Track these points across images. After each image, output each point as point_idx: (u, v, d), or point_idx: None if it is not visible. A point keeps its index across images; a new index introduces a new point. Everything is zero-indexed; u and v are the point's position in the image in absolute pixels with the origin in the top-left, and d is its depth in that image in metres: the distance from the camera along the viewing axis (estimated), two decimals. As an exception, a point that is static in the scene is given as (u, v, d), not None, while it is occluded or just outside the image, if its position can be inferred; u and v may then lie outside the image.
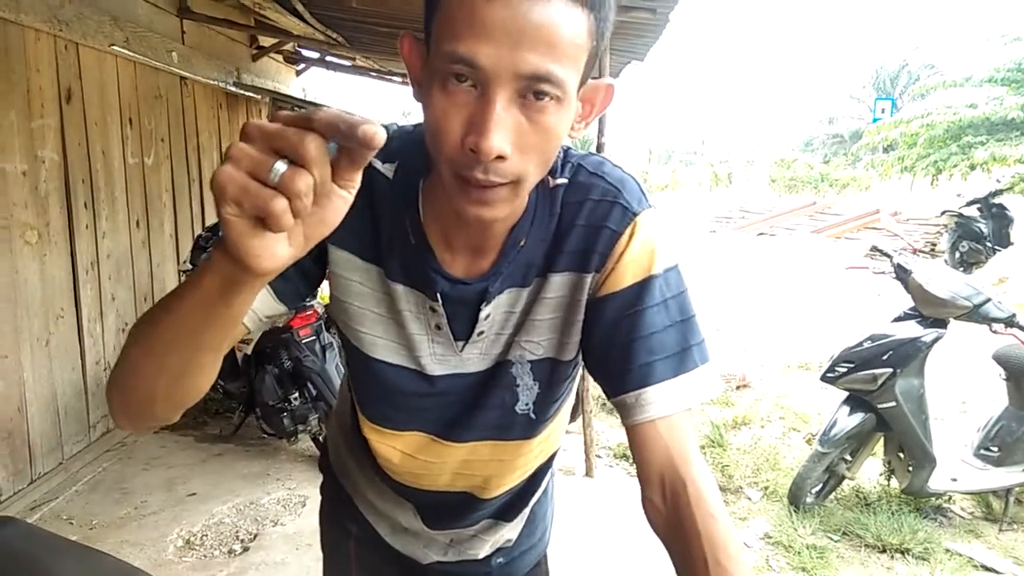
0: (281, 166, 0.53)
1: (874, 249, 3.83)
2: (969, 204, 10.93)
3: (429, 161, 0.84)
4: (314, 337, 3.86)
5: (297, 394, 3.80)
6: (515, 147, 0.70)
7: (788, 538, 3.12)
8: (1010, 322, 3.05)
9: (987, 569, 2.92)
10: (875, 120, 20.11)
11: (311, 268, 0.91)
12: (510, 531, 1.17)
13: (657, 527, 0.85)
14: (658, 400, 0.84)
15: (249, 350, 3.90)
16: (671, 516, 0.82)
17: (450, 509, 1.10)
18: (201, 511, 3.34)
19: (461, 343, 0.92)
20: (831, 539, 3.15)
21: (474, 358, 0.93)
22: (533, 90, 0.68)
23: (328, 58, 7.34)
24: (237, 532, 3.19)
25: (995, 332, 3.09)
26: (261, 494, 3.53)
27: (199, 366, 0.74)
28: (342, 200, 0.59)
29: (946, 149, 10.83)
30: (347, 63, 7.23)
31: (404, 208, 0.87)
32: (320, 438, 3.84)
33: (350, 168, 0.56)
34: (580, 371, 1.02)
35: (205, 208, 5.52)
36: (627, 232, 0.86)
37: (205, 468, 3.82)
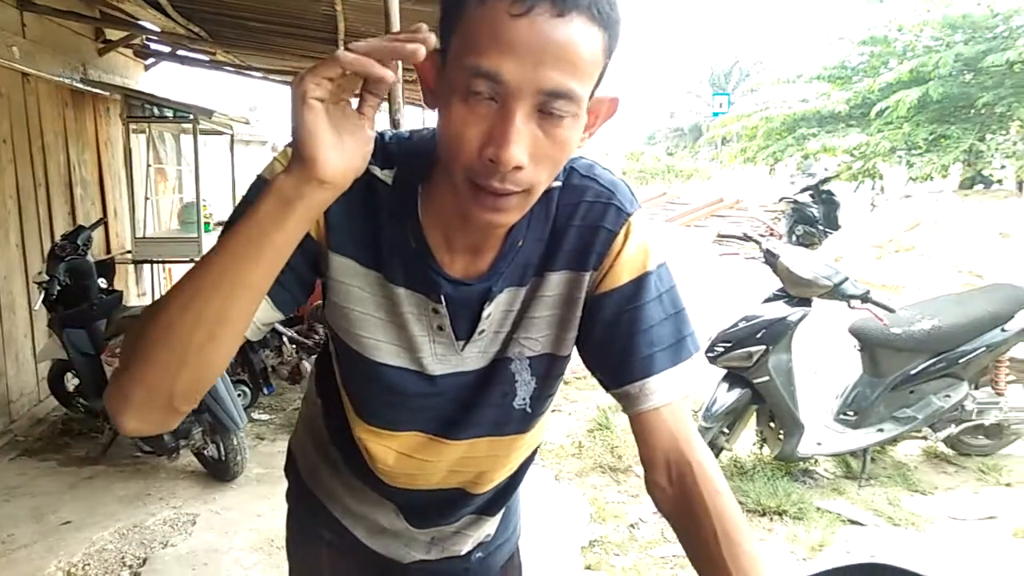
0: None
1: (745, 236, 4.11)
2: (802, 191, 11.91)
3: (428, 166, 0.86)
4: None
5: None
6: (531, 158, 0.73)
7: (680, 510, 3.32)
8: (865, 298, 3.38)
9: (853, 522, 3.24)
10: (715, 115, 21.45)
11: (306, 275, 0.91)
12: (491, 526, 1.20)
13: (664, 508, 0.91)
14: (660, 389, 0.89)
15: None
16: (678, 496, 0.88)
17: (438, 506, 1.11)
18: (79, 539, 3.12)
19: (462, 342, 0.94)
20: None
21: (474, 356, 0.96)
22: (551, 105, 0.71)
23: (180, 52, 6.96)
24: (123, 558, 3.01)
25: (852, 308, 3.41)
26: (144, 516, 3.33)
27: (233, 319, 0.74)
28: (369, 136, 0.73)
29: (783, 140, 11.75)
30: (204, 58, 6.88)
31: (404, 213, 0.88)
32: (204, 452, 3.67)
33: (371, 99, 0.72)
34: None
35: (53, 215, 5.11)
36: (622, 232, 0.91)
37: (76, 493, 3.56)
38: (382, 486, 1.08)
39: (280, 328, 4.50)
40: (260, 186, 0.85)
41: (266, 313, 0.88)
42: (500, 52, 0.69)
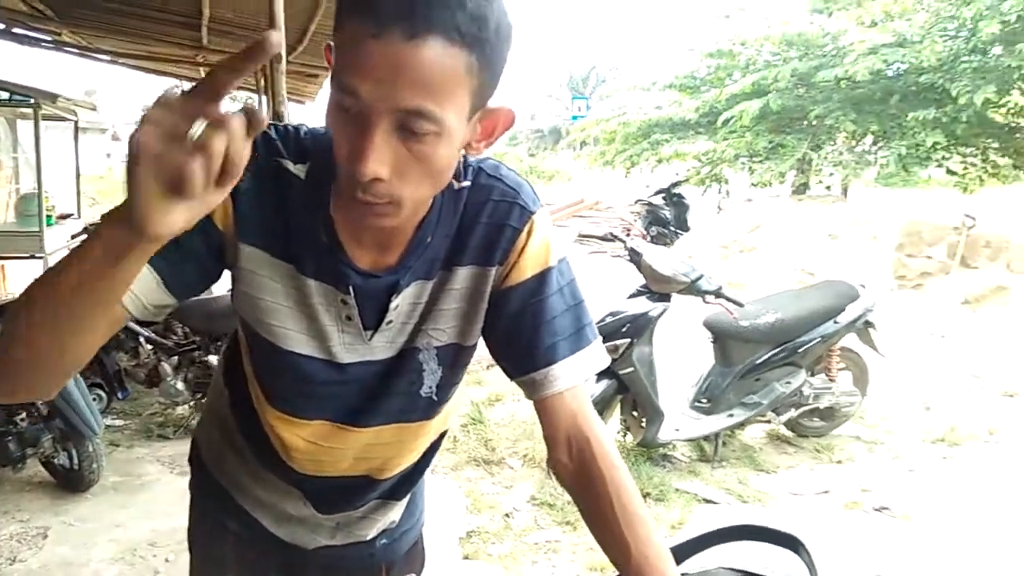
0: (200, 125, 0.58)
1: (611, 236, 4.32)
2: (655, 194, 12.54)
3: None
4: (45, 347, 3.44)
5: (24, 414, 3.37)
6: (394, 172, 0.77)
7: (551, 498, 3.46)
8: (718, 293, 3.65)
9: (707, 501, 3.50)
10: (574, 118, 22.12)
11: (210, 263, 0.93)
12: (396, 512, 1.23)
13: (565, 482, 1.00)
14: (563, 375, 0.98)
15: (-42, 368, 3.35)
16: (578, 470, 0.97)
17: (345, 493, 1.13)
18: None
19: (370, 332, 0.97)
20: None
21: (382, 346, 0.99)
22: (410, 124, 0.74)
23: (17, 30, 6.41)
24: (-34, 576, 2.78)
25: (707, 302, 3.69)
26: (-12, 531, 3.09)
27: (81, 328, 0.76)
28: (234, 175, 0.63)
29: (639, 145, 12.35)
30: (45, 37, 6.37)
31: (316, 207, 0.91)
32: (55, 461, 3.44)
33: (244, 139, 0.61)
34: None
35: None
36: (526, 229, 0.97)
37: (-93, 509, 3.24)
38: (289, 474, 1.10)
39: (136, 328, 4.27)
40: None
41: (156, 295, 0.88)
42: (357, 71, 0.72)
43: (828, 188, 11.53)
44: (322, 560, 1.20)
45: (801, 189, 11.44)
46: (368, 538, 1.21)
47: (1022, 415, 4.53)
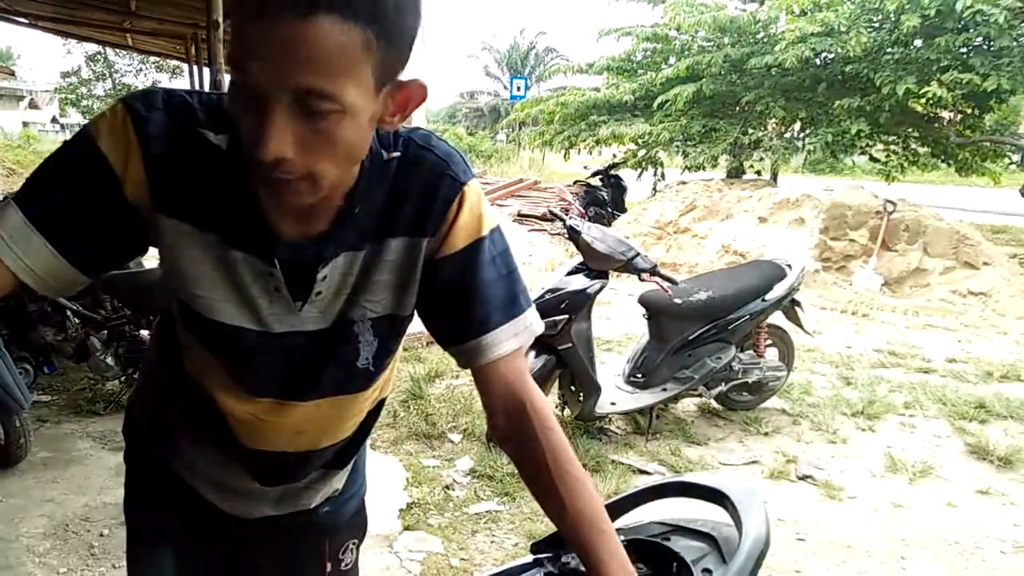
0: None
1: (551, 214, 4.37)
2: (593, 175, 12.67)
3: None
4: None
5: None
6: (300, 150, 0.76)
7: (491, 470, 3.51)
8: (653, 271, 3.75)
9: (642, 472, 3.61)
10: (512, 97, 22.07)
11: (124, 237, 0.92)
12: (339, 480, 1.24)
13: (503, 444, 1.05)
14: (497, 343, 1.00)
15: None
16: (516, 433, 1.01)
17: (287, 465, 1.13)
18: None
19: (300, 303, 0.97)
20: (524, 466, 3.62)
21: (313, 317, 0.99)
22: (307, 103, 0.73)
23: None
24: None
25: (642, 280, 3.78)
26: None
27: None
28: None
29: (577, 126, 12.42)
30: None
31: (238, 178, 0.89)
32: None
33: None
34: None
35: None
36: (457, 200, 0.97)
37: None
38: (230, 447, 1.09)
39: (63, 302, 4.13)
40: (82, 143, 0.87)
41: (55, 269, 0.88)
42: (247, 53, 0.72)
43: (759, 173, 11.86)
44: (265, 529, 1.20)
45: (734, 173, 11.74)
46: (311, 506, 1.21)
47: (936, 390, 4.79)
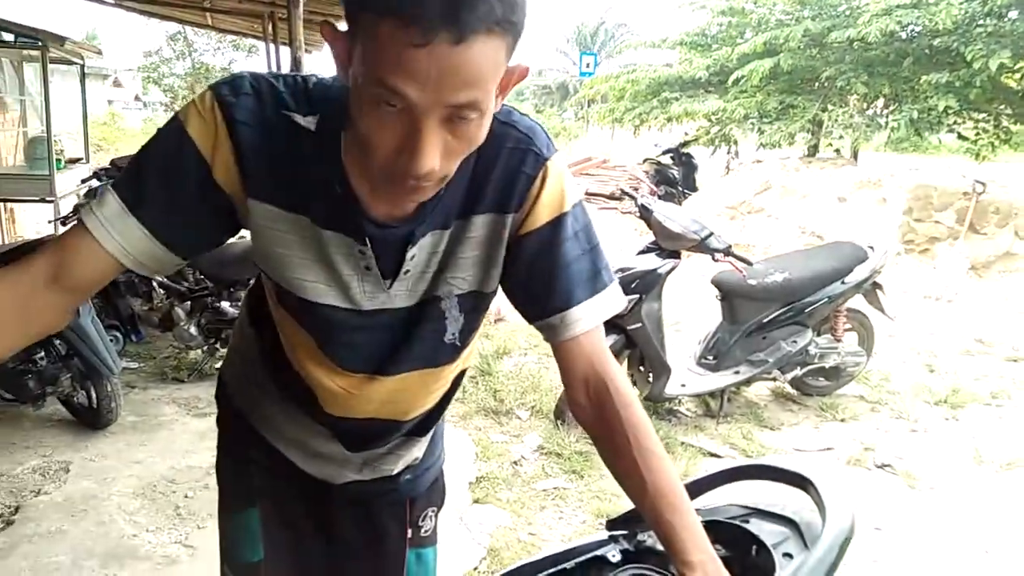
0: None
1: (621, 192, 4.33)
2: (664, 153, 12.45)
3: (350, 113, 0.88)
4: (61, 289, 3.48)
5: (43, 353, 3.43)
6: (443, 156, 0.79)
7: (559, 447, 3.53)
8: (727, 252, 3.68)
9: (712, 455, 3.57)
10: (582, 74, 21.78)
11: (217, 224, 0.96)
12: (419, 448, 1.26)
13: (583, 421, 1.05)
14: (580, 319, 1.00)
15: (-24, 307, 3.40)
16: (596, 410, 1.01)
17: (371, 432, 1.16)
18: None
19: (389, 281, 0.99)
20: (592, 445, 3.60)
21: (402, 294, 1.01)
22: (459, 114, 0.76)
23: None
24: (-9, 507, 2.86)
25: (716, 260, 3.71)
26: (11, 465, 3.17)
27: None
28: None
29: (648, 103, 12.20)
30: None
31: (328, 158, 0.91)
32: (74, 400, 3.51)
33: None
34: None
35: None
36: (540, 175, 0.97)
37: (-70, 445, 3.32)
38: (318, 415, 1.13)
39: (149, 273, 4.31)
40: (173, 133, 0.89)
41: (152, 253, 0.92)
42: (404, 77, 0.72)
43: (838, 151, 11.43)
44: (349, 494, 1.23)
45: (811, 151, 11.34)
46: (393, 473, 1.24)
47: None
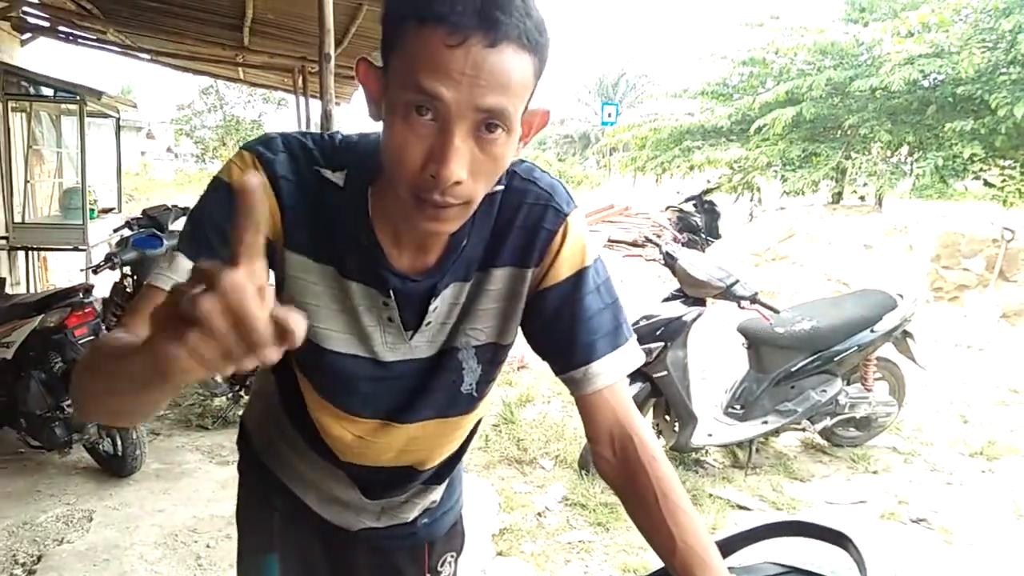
0: None
1: (646, 240, 4.32)
2: (686, 201, 12.49)
3: (376, 168, 0.92)
4: (92, 337, 3.53)
5: (70, 400, 3.46)
6: (469, 173, 0.81)
7: (583, 499, 3.47)
8: (753, 299, 3.64)
9: (741, 507, 3.49)
10: (604, 123, 22.02)
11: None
12: (436, 494, 1.26)
13: (608, 476, 1.04)
14: (602, 372, 1.01)
15: (9, 355, 3.45)
16: (621, 465, 1.00)
17: (389, 481, 1.17)
18: None
19: (411, 332, 1.01)
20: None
21: (423, 345, 1.03)
22: (486, 124, 0.79)
23: (62, 28, 6.56)
24: (15, 556, 2.86)
25: (742, 308, 3.68)
26: (35, 512, 3.17)
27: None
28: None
29: (671, 152, 12.30)
30: (90, 36, 6.52)
31: (355, 212, 0.94)
32: (99, 447, 3.53)
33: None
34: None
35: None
36: (560, 231, 0.99)
37: (-44, 492, 3.33)
38: (336, 461, 1.14)
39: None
40: (219, 188, 0.92)
41: None
42: (438, 79, 0.76)
43: (862, 198, 11.39)
44: (366, 541, 1.24)
45: (836, 198, 11.33)
46: (410, 519, 1.24)
47: (1062, 431, 4.45)
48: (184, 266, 0.92)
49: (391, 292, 0.96)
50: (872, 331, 3.93)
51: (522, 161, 1.02)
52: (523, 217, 0.98)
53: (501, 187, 0.98)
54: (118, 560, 2.83)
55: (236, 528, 1.30)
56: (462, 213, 0.85)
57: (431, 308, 0.99)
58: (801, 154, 10.71)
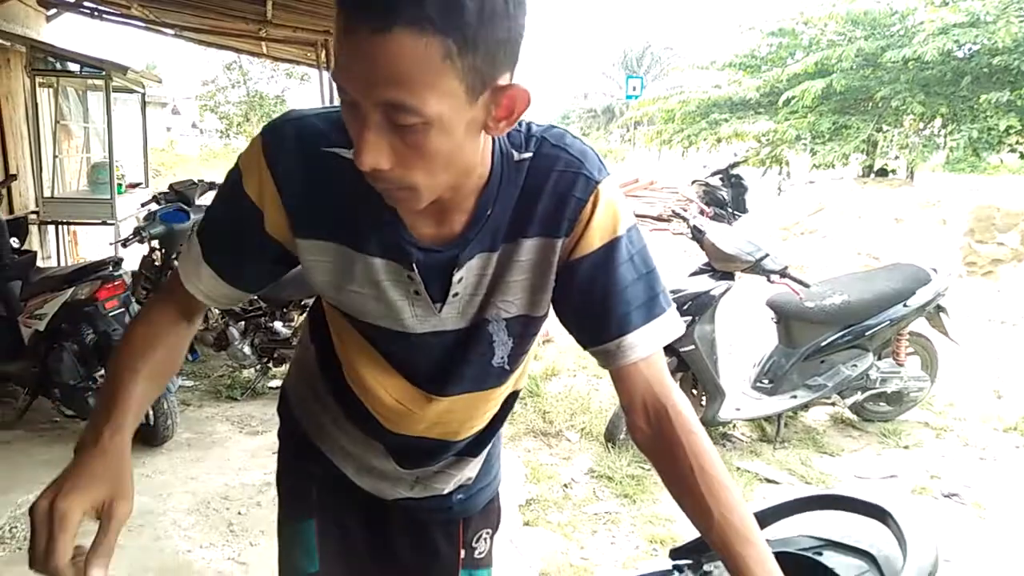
0: None
1: (673, 214, 4.27)
2: (713, 174, 12.32)
3: None
4: (122, 309, 3.58)
5: (103, 371, 3.51)
6: (396, 162, 0.78)
7: (609, 471, 3.47)
8: (783, 273, 3.59)
9: (769, 481, 3.47)
10: (628, 97, 21.79)
11: (274, 264, 1.03)
12: (472, 469, 1.26)
13: (643, 446, 1.02)
14: (636, 345, 0.98)
15: (41, 326, 3.50)
16: (657, 437, 0.98)
17: (423, 451, 1.17)
18: (3, 503, 3.00)
19: (439, 304, 0.99)
20: (644, 469, 3.51)
21: (452, 317, 1.01)
22: (394, 117, 0.74)
23: (87, 4, 6.57)
24: (52, 522, 2.91)
25: (772, 282, 3.63)
26: (71, 480, 3.22)
27: None
28: None
29: (697, 124, 12.13)
30: (114, 11, 6.52)
31: (372, 188, 0.89)
32: None
33: None
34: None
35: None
36: (591, 200, 0.95)
37: (-6, 458, 3.40)
38: (372, 429, 1.14)
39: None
40: (233, 182, 0.97)
41: (229, 292, 1.03)
42: (339, 69, 0.74)
43: (894, 171, 11.19)
44: (402, 510, 1.25)
45: (866, 172, 11.13)
46: (445, 492, 1.24)
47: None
48: (194, 255, 1.01)
49: (414, 265, 0.95)
50: (905, 305, 3.87)
51: (553, 127, 0.99)
52: (552, 185, 0.94)
53: (528, 155, 0.95)
54: (152, 526, 2.88)
55: (276, 491, 1.32)
56: (413, 197, 0.83)
57: (456, 279, 0.97)
58: (831, 127, 10.52)
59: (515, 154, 0.94)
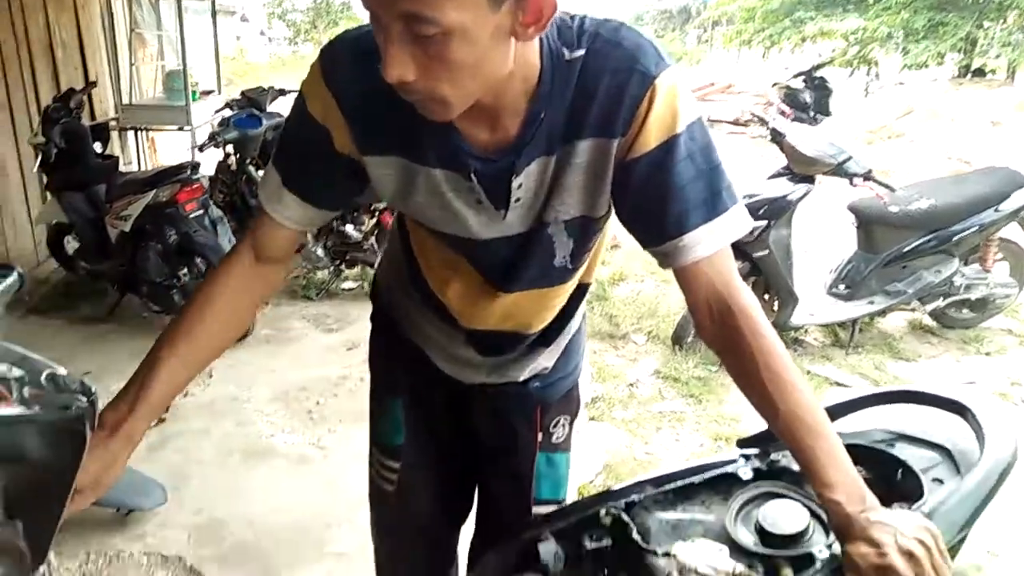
0: None
1: (752, 117, 4.11)
2: (795, 76, 11.73)
3: None
4: (202, 211, 3.70)
5: (186, 270, 3.68)
6: (420, 73, 0.79)
7: (676, 372, 3.48)
8: (867, 176, 3.43)
9: (840, 384, 3.42)
10: (706, -4, 20.75)
11: (350, 178, 1.04)
12: (546, 359, 1.29)
13: (712, 346, 1.01)
14: (696, 244, 0.95)
15: (127, 227, 3.65)
16: (722, 335, 0.97)
17: (497, 341, 1.22)
18: (100, 388, 3.11)
19: (503, 211, 1.01)
20: (711, 370, 3.51)
21: (516, 221, 1.03)
22: (415, 29, 0.75)
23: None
24: (146, 407, 3.11)
25: (854, 185, 3.47)
26: (160, 370, 3.42)
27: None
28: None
29: (780, 23, 11.49)
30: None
31: None
32: None
33: None
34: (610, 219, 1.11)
35: (37, 77, 4.95)
36: (647, 96, 0.91)
37: (90, 348, 3.63)
38: (450, 321, 1.20)
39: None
40: (301, 102, 1.00)
41: (317, 215, 1.06)
42: None
43: (993, 72, 10.44)
44: (482, 394, 1.30)
45: (963, 72, 10.41)
46: (520, 379, 1.28)
47: None
48: (274, 183, 1.04)
49: (472, 176, 0.96)
50: (996, 210, 3.66)
51: (608, 20, 0.94)
52: (607, 83, 0.91)
53: (580, 52, 0.91)
54: (236, 412, 3.06)
55: (368, 368, 1.42)
56: (441, 108, 0.85)
57: (515, 185, 0.97)
58: (926, 23, 9.84)
59: (566, 52, 0.92)
